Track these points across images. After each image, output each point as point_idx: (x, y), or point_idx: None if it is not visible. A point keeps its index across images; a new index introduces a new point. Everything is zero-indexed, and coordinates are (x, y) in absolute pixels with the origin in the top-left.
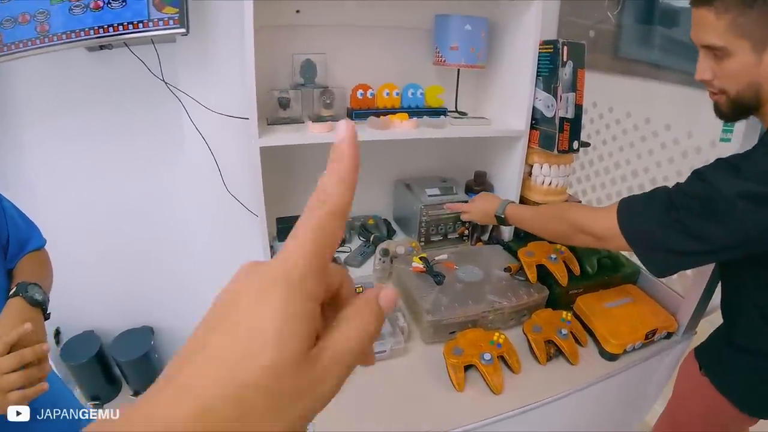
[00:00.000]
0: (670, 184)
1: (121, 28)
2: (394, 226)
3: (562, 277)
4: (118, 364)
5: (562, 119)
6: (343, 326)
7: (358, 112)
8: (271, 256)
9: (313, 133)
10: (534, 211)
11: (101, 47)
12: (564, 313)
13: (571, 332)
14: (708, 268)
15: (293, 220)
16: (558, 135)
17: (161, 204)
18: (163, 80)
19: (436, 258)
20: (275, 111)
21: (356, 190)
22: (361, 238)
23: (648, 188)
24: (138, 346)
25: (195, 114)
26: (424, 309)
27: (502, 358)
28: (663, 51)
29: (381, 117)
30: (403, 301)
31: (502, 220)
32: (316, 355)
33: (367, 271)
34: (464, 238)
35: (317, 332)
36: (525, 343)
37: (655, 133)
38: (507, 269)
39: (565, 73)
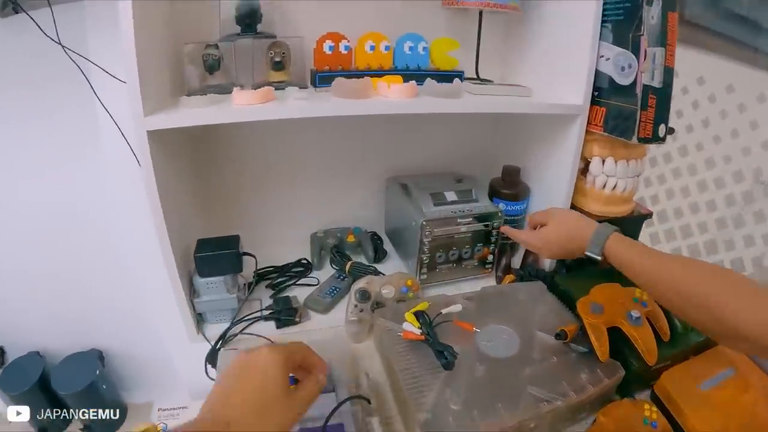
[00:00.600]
0: None
1: None
2: (387, 244)
3: (649, 351)
4: (61, 398)
5: (646, 88)
6: (304, 385)
7: (324, 75)
8: (190, 297)
9: (237, 106)
10: (657, 262)
11: (15, 10)
12: (647, 408)
13: None
14: None
15: (220, 244)
16: (640, 113)
17: (88, 206)
18: (60, 43)
19: (444, 311)
20: (203, 77)
21: (331, 191)
22: (334, 266)
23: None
24: (83, 376)
25: (109, 88)
26: (419, 422)
27: None
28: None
29: (355, 79)
30: (388, 384)
31: (597, 262)
32: (293, 392)
33: (338, 319)
34: (487, 265)
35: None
36: None
37: None
38: (560, 335)
39: (652, 15)
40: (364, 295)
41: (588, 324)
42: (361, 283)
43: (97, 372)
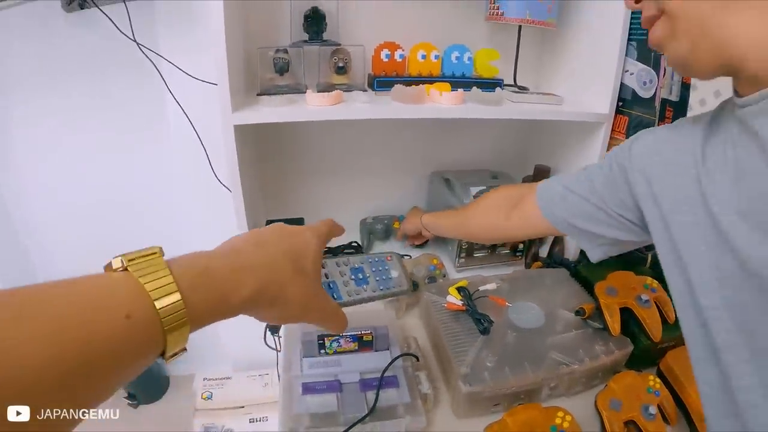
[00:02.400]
0: None
1: None
2: None
3: (655, 330)
4: None
5: (664, 102)
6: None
7: (382, 80)
8: None
9: (311, 107)
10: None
11: (81, 6)
12: (651, 378)
13: (659, 407)
14: None
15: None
16: (657, 123)
17: (151, 193)
18: (135, 40)
19: (481, 288)
20: (272, 78)
21: (381, 182)
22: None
23: None
24: None
25: (177, 83)
26: (460, 374)
27: None
28: None
29: (412, 86)
30: (431, 348)
31: None
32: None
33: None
34: (517, 253)
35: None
36: (594, 417)
37: None
38: (579, 312)
39: None
40: None
41: (603, 304)
42: None
43: None
